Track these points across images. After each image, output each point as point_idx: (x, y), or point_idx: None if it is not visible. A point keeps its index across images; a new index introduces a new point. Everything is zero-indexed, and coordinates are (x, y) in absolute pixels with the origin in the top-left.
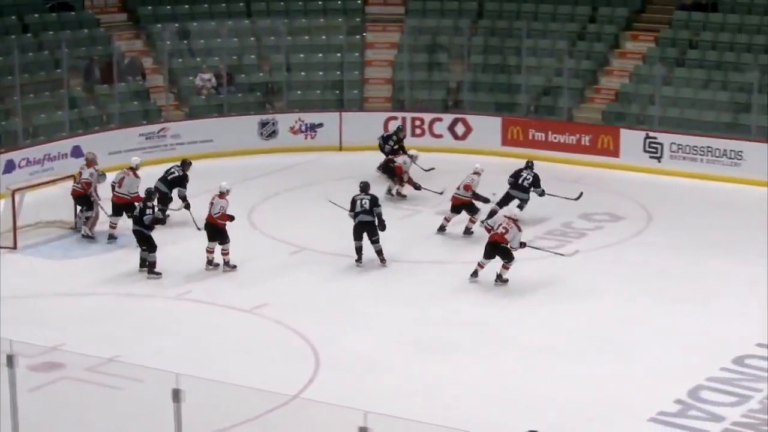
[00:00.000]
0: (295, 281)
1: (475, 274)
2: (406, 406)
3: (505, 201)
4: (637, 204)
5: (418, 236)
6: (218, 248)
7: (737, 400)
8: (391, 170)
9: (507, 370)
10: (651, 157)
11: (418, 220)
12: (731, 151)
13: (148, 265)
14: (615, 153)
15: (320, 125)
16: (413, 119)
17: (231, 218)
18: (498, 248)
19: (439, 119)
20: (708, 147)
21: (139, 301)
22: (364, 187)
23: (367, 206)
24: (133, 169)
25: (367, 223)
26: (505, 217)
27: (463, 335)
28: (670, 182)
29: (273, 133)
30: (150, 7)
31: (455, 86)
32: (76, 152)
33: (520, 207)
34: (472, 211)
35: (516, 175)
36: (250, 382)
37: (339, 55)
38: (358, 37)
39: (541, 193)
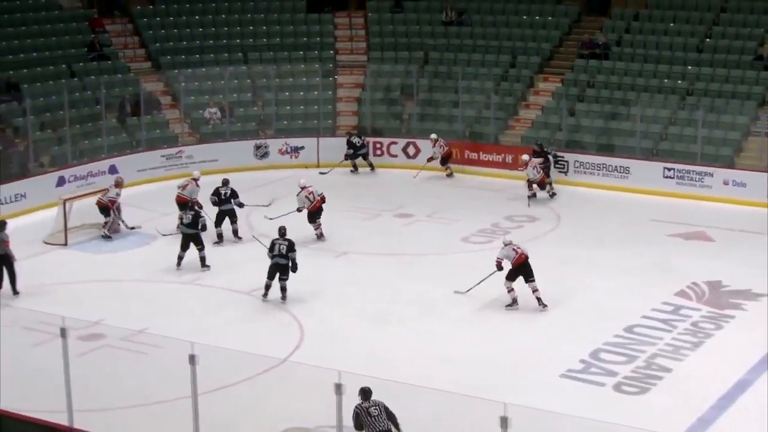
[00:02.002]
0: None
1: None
2: (371, 366)
3: None
4: (549, 208)
5: (377, 233)
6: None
7: (627, 359)
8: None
9: (439, 337)
10: (560, 172)
11: (379, 221)
12: (620, 167)
13: (201, 260)
14: None
15: (302, 148)
16: (374, 142)
17: (324, 200)
18: (526, 268)
19: (395, 142)
20: (603, 164)
21: (161, 285)
22: (283, 232)
23: (284, 251)
24: (195, 179)
25: (282, 265)
26: (507, 245)
27: (408, 310)
28: (574, 191)
29: (265, 154)
30: (169, 57)
31: (407, 117)
32: (112, 170)
33: None
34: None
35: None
36: (249, 349)
37: (316, 93)
38: (330, 79)
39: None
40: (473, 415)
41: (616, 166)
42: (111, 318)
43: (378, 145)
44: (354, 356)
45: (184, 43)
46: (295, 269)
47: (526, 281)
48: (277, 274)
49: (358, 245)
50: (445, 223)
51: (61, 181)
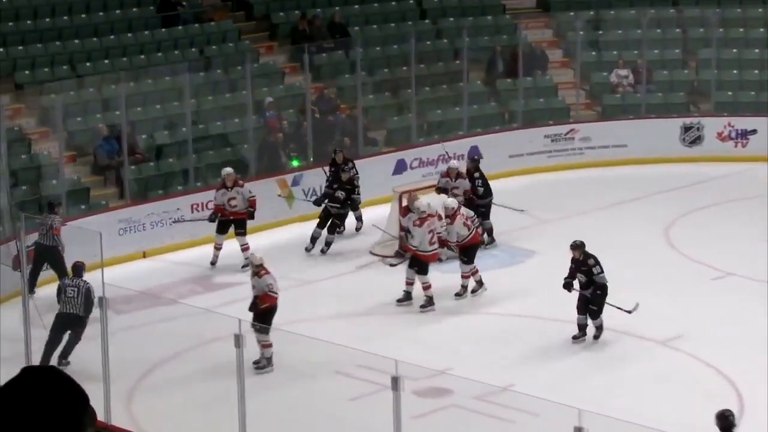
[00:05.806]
0: (716, 311)
1: None
2: None
3: None
4: None
5: None
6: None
7: None
8: None
9: None
10: None
11: None
12: None
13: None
14: None
15: (753, 132)
16: None
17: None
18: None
19: None
20: None
21: (536, 323)
22: None
23: None
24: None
25: None
26: None
27: None
28: None
29: (697, 139)
30: None
31: None
32: (474, 153)
33: None
34: None
35: None
36: (658, 423)
37: None
38: None
39: None
40: None
41: None
42: (462, 366)
43: None
44: None
45: None
46: None
47: None
48: None
49: None
50: None
51: (400, 167)
